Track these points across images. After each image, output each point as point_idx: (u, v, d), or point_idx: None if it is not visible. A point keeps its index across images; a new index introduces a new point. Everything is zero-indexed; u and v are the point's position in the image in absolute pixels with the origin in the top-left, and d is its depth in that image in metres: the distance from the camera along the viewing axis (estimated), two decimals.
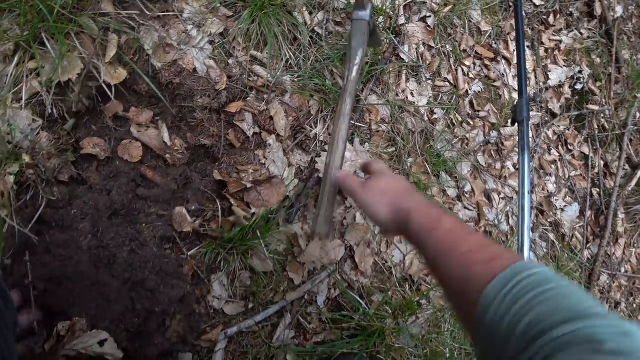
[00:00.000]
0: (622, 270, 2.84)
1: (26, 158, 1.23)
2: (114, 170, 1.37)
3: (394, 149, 1.80)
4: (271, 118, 1.60)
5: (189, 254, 1.37)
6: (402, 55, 1.94)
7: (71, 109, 1.34)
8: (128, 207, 1.34)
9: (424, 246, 0.90)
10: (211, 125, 1.51)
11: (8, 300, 1.00)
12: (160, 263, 1.28)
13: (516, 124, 1.89)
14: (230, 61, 1.59)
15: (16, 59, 1.29)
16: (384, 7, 1.91)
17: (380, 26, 1.91)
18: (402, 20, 1.98)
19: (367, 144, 1.74)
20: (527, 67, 2.47)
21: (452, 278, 0.81)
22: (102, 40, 1.37)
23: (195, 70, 1.52)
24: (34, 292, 1.17)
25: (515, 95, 2.32)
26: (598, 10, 2.91)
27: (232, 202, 1.42)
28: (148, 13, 1.47)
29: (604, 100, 2.77)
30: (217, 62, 1.56)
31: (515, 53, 2.27)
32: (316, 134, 1.66)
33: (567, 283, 0.66)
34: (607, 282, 2.74)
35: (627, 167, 2.91)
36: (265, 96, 1.62)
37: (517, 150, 2.27)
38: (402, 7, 1.99)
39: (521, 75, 1.93)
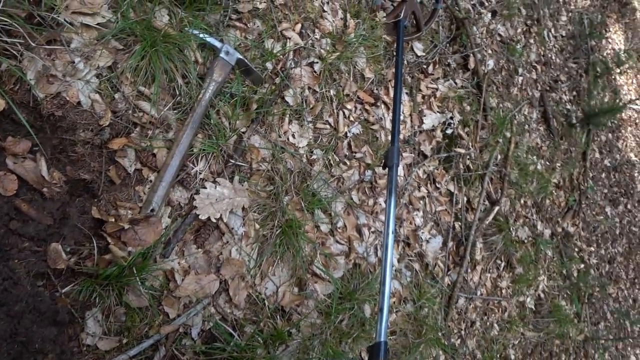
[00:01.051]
0: (478, 293, 3.20)
1: None
2: None
3: (272, 187, 1.93)
4: (154, 155, 1.66)
5: (63, 291, 1.39)
6: (287, 98, 2.07)
7: None
8: (0, 242, 1.34)
9: None
10: (92, 160, 1.54)
11: None
12: (34, 301, 1.28)
13: (387, 169, 2.10)
14: (116, 96, 1.62)
15: None
16: (274, 51, 2.03)
17: (269, 69, 2.03)
18: (290, 65, 2.11)
19: (246, 182, 1.85)
20: (405, 111, 2.72)
21: None
22: None
23: (79, 103, 1.54)
24: None
25: None
26: (472, 64, 3.26)
27: (109, 241, 1.47)
28: (32, 43, 1.46)
29: (470, 144, 3.10)
30: (103, 97, 1.59)
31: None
32: (197, 171, 1.74)
33: None
34: (464, 304, 3.06)
35: (486, 202, 3.28)
36: (150, 132, 1.67)
37: None
38: (292, 52, 2.12)
39: (395, 124, 2.14)
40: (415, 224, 2.68)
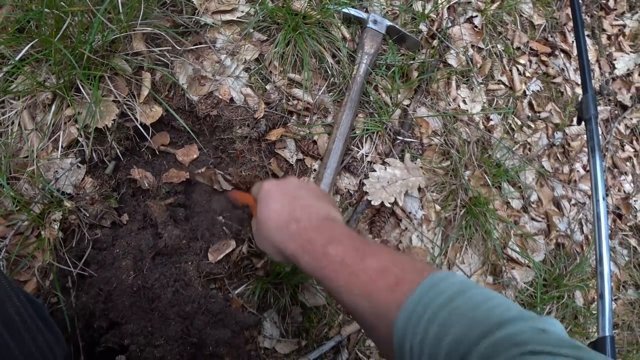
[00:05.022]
0: None
1: (68, 204, 1.22)
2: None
3: (448, 162, 1.68)
4: (314, 142, 1.53)
5: (236, 292, 1.30)
6: (449, 61, 1.82)
7: (110, 153, 1.31)
8: (172, 246, 1.29)
9: (323, 284, 0.83)
10: (252, 155, 1.45)
11: (58, 337, 0.97)
12: (206, 303, 1.22)
13: (582, 123, 1.74)
14: (267, 87, 1.53)
15: (54, 107, 1.28)
16: (425, 11, 1.80)
17: (423, 31, 1.80)
18: (446, 23, 1.86)
19: (418, 159, 1.63)
20: (590, 58, 2.28)
21: (363, 313, 0.75)
22: (135, 80, 1.34)
23: (232, 100, 1.47)
24: (78, 327, 1.15)
25: (579, 91, 2.14)
26: None
27: None
28: (179, 48, 1.43)
29: None
30: (254, 89, 1.50)
31: (574, 45, 2.10)
32: (363, 154, 1.57)
33: (476, 290, 0.67)
34: None
35: None
36: (307, 119, 1.55)
37: (585, 150, 2.08)
38: (445, 9, 1.87)
39: (584, 69, 1.77)
40: (624, 191, 2.21)
